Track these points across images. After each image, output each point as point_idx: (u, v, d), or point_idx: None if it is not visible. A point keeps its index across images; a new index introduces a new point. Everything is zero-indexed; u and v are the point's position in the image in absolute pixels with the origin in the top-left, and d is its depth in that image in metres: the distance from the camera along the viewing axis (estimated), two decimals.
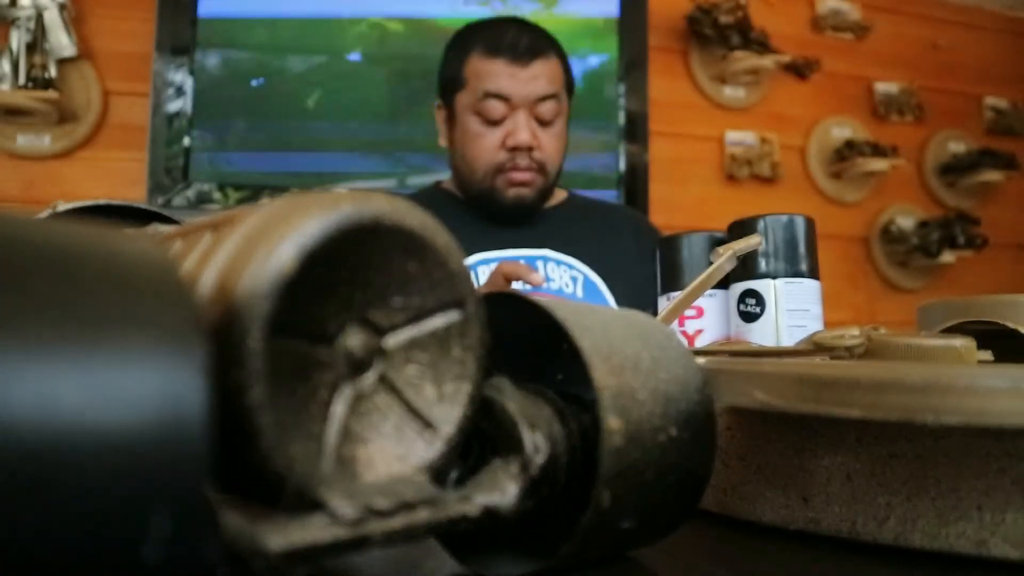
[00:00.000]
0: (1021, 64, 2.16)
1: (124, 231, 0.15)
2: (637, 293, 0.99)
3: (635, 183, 1.67)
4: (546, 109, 0.97)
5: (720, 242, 0.56)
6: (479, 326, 0.19)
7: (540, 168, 0.98)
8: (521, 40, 0.97)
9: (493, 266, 0.97)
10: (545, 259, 0.99)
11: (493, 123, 0.97)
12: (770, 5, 1.89)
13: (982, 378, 0.20)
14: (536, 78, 0.96)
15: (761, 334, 0.54)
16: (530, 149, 0.97)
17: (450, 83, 1.01)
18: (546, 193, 1.02)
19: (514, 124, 0.96)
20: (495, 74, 0.96)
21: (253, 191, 1.50)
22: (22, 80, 1.38)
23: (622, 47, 1.68)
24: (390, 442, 0.18)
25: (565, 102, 1.02)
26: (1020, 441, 0.22)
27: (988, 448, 0.22)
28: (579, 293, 0.99)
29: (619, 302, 0.99)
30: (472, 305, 0.18)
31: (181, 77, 1.47)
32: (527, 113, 0.97)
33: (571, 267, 1.00)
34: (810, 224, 0.56)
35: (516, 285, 0.81)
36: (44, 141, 1.44)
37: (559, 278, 0.99)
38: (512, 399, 0.20)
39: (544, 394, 0.21)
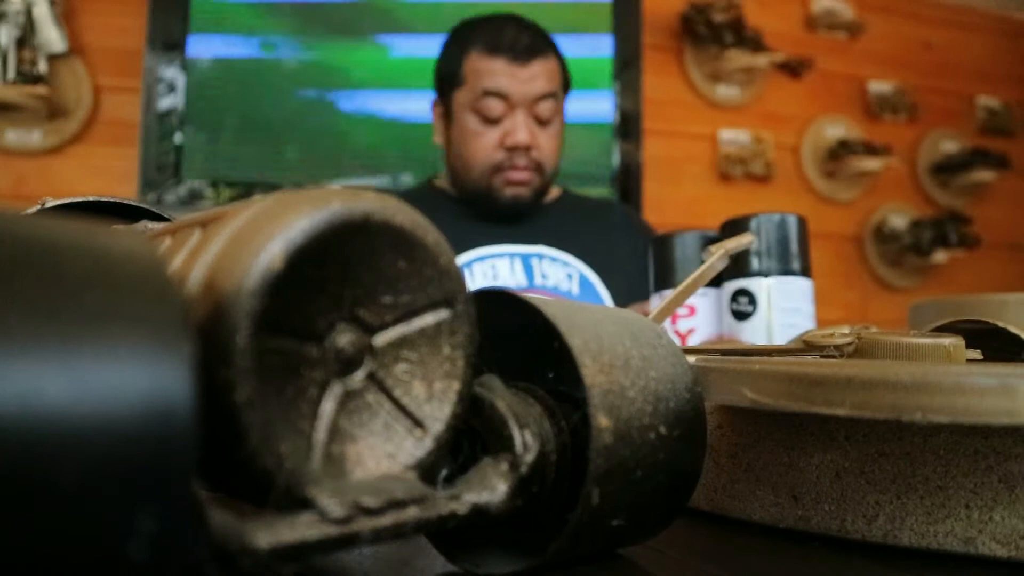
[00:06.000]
0: (1014, 64, 2.17)
1: (113, 227, 0.15)
2: (632, 289, 0.99)
3: (629, 181, 1.68)
4: (544, 108, 0.97)
5: (713, 241, 0.57)
6: (469, 324, 0.18)
7: (537, 168, 0.98)
8: (521, 39, 0.97)
9: (487, 263, 0.97)
10: (540, 256, 0.99)
11: (491, 122, 0.97)
12: (764, 4, 1.89)
13: (970, 376, 0.20)
14: (535, 77, 0.96)
15: (753, 333, 0.54)
16: (528, 149, 0.97)
17: (447, 80, 1.01)
18: (542, 192, 1.02)
19: (512, 123, 0.96)
20: (495, 73, 0.96)
21: (245, 188, 1.49)
22: (11, 75, 1.37)
23: (616, 45, 1.68)
24: (379, 440, 0.18)
25: (562, 101, 1.02)
26: (1008, 439, 0.22)
27: (976, 446, 0.22)
28: (575, 290, 0.99)
29: (615, 298, 0.99)
30: (462, 303, 0.18)
31: (173, 73, 1.47)
32: (526, 112, 0.97)
33: (566, 264, 1.00)
34: (803, 223, 0.56)
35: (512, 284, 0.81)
36: (34, 137, 1.43)
37: (554, 275, 0.99)
38: (502, 397, 0.20)
39: (534, 392, 0.21)
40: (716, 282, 0.57)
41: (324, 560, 0.21)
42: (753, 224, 0.55)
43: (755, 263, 0.55)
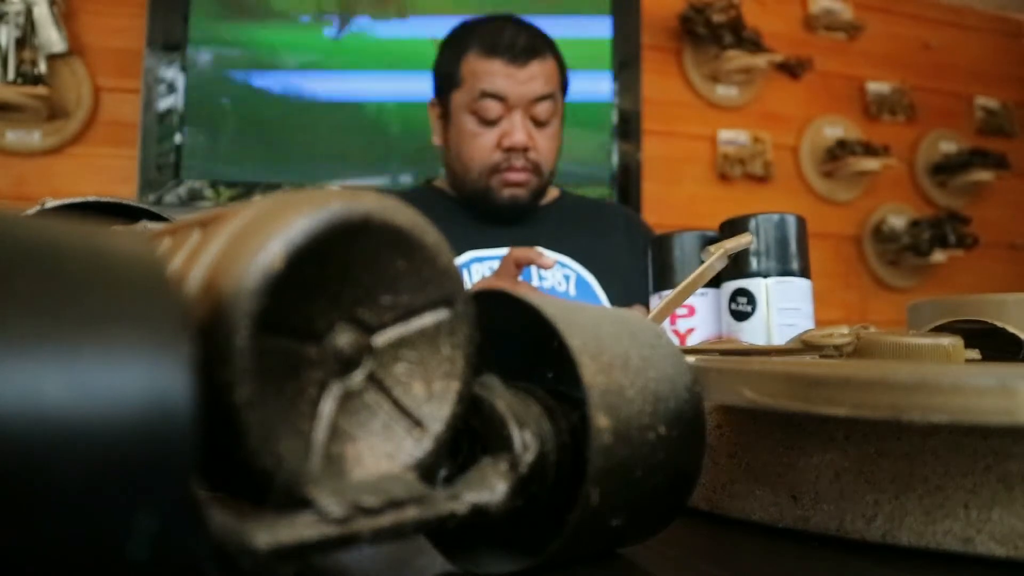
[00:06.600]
0: (1012, 64, 2.17)
1: (112, 228, 0.15)
2: (630, 291, 0.99)
3: (628, 181, 1.68)
4: (542, 109, 0.97)
5: (712, 241, 0.57)
6: (468, 324, 0.19)
7: (535, 168, 0.98)
8: (518, 40, 0.97)
9: (486, 264, 0.97)
10: None
11: (489, 123, 0.97)
12: (763, 4, 1.89)
13: (969, 376, 0.20)
14: (533, 78, 0.96)
15: (752, 333, 0.54)
16: (526, 150, 0.97)
17: (445, 81, 1.01)
18: (540, 193, 1.02)
19: (510, 124, 0.96)
20: (492, 74, 0.96)
21: (245, 189, 1.49)
22: (11, 76, 1.37)
23: (615, 46, 1.68)
24: (379, 440, 0.18)
25: (560, 102, 1.02)
26: (1006, 439, 0.22)
27: (975, 446, 0.22)
28: (572, 292, 0.99)
29: (612, 300, 0.99)
30: (461, 303, 0.18)
31: (173, 73, 1.47)
32: (523, 113, 0.96)
33: (564, 265, 1.00)
34: (801, 223, 0.56)
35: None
36: (34, 137, 1.43)
37: (552, 277, 0.99)
38: (501, 397, 0.20)
39: (533, 392, 0.21)
40: (715, 282, 0.57)
41: (324, 560, 0.21)
42: (752, 224, 0.55)
43: (754, 263, 0.55)
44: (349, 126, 1.55)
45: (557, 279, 0.99)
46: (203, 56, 1.49)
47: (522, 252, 0.76)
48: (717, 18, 1.74)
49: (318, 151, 1.54)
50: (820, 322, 0.54)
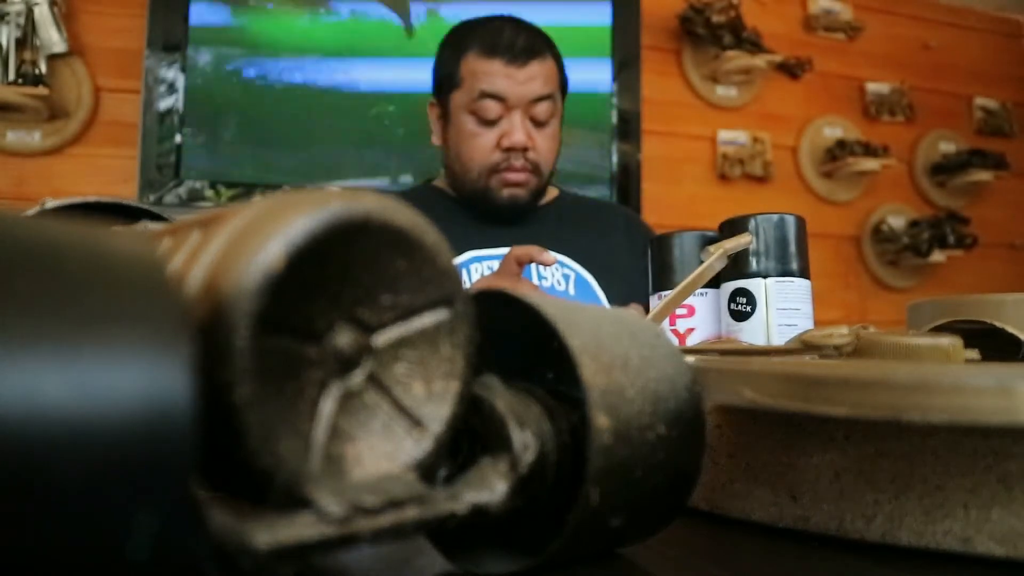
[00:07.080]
0: (1011, 65, 2.17)
1: (112, 228, 0.15)
2: (630, 291, 0.99)
3: (627, 182, 1.68)
4: (541, 110, 0.97)
5: (711, 241, 0.57)
6: (468, 324, 0.19)
7: (534, 168, 0.98)
8: (518, 40, 0.97)
9: (486, 264, 0.97)
10: None
11: (488, 123, 0.97)
12: (762, 5, 1.89)
13: (968, 377, 0.20)
14: (532, 79, 0.96)
15: (752, 333, 0.55)
16: (525, 150, 0.97)
17: (445, 81, 1.01)
18: (539, 193, 1.02)
19: (509, 125, 0.96)
20: (491, 74, 0.96)
21: (245, 189, 1.49)
22: (12, 76, 1.37)
23: (615, 46, 1.68)
24: (379, 440, 0.18)
25: (559, 102, 1.02)
26: (1006, 439, 0.22)
27: (974, 446, 0.22)
28: (571, 291, 0.99)
29: (612, 300, 0.99)
30: (461, 303, 0.18)
31: (173, 74, 1.47)
32: (522, 114, 0.97)
33: (563, 265, 1.00)
34: (801, 223, 0.56)
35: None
36: (34, 138, 1.43)
37: (551, 276, 0.99)
38: (501, 397, 0.20)
39: (533, 392, 0.21)
40: (715, 282, 0.57)
41: (324, 560, 0.21)
42: (752, 224, 0.55)
43: (754, 263, 0.55)
44: (350, 127, 1.55)
45: (556, 279, 0.99)
46: (203, 56, 1.49)
47: (523, 250, 0.76)
48: (717, 18, 1.74)
49: (318, 152, 1.54)
50: (820, 322, 0.54)
